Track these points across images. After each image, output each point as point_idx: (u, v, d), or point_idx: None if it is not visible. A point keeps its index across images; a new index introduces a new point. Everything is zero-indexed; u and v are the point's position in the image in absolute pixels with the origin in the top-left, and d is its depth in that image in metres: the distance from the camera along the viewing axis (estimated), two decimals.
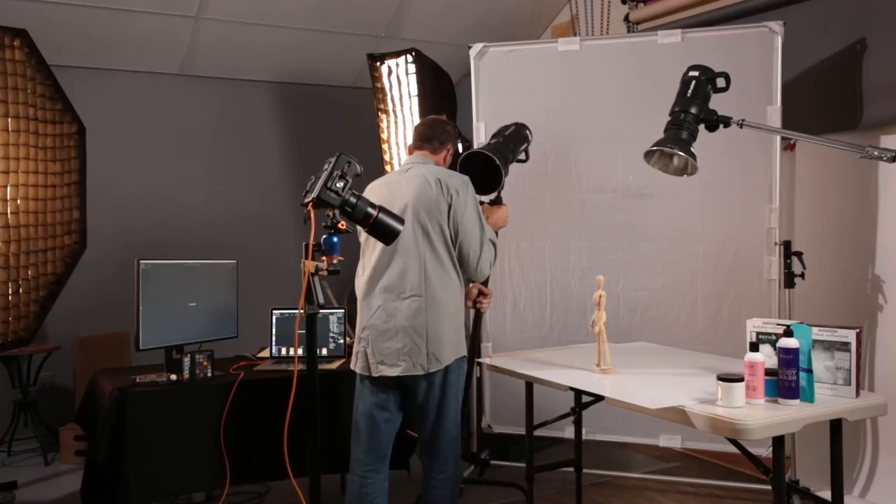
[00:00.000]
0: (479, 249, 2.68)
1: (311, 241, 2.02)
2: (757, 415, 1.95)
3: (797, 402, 2.04)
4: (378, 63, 4.59)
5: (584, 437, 3.25)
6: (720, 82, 2.42)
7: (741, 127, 2.38)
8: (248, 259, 3.90)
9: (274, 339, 3.55)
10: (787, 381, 2.03)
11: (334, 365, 3.38)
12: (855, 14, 3.61)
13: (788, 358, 2.03)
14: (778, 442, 1.98)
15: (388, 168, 4.65)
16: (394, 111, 4.62)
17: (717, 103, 2.42)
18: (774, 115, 3.51)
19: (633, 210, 3.81)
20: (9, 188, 3.59)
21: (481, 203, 2.86)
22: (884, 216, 3.38)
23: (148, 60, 5.12)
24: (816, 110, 3.78)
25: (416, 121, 4.28)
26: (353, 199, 2.05)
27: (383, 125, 4.69)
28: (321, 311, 2.08)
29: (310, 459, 2.11)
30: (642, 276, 3.81)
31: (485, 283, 2.98)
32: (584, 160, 3.89)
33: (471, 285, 2.89)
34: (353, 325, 3.82)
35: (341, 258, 2.07)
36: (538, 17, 5.31)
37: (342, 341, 3.50)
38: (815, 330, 2.14)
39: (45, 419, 4.62)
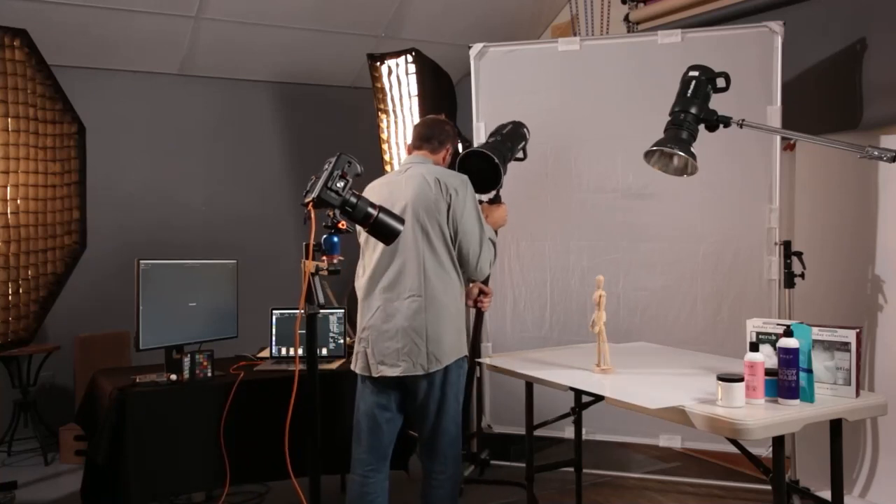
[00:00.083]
0: (479, 248, 2.68)
1: (312, 241, 2.02)
2: (757, 415, 1.95)
3: (797, 402, 2.04)
4: (378, 63, 4.59)
5: (584, 437, 3.25)
6: (720, 82, 2.42)
7: (741, 127, 2.38)
8: (248, 259, 3.90)
9: (274, 339, 3.55)
10: (787, 381, 2.03)
11: (334, 365, 3.37)
12: (855, 14, 3.61)
13: (788, 358, 2.03)
14: (778, 442, 1.98)
15: (388, 168, 4.65)
16: (394, 111, 4.62)
17: (717, 103, 2.42)
18: (774, 115, 3.51)
19: (633, 210, 3.81)
20: (9, 188, 3.59)
21: (480, 202, 2.86)
22: (884, 216, 3.38)
23: (148, 60, 5.12)
24: (816, 110, 3.78)
25: (416, 121, 4.28)
26: (353, 199, 2.05)
27: (383, 125, 4.69)
28: (321, 311, 2.08)
29: (310, 459, 2.11)
30: (642, 276, 3.81)
31: (485, 282, 2.98)
32: (584, 160, 3.89)
33: (471, 285, 2.89)
34: (352, 325, 3.82)
35: (341, 258, 2.07)
36: (538, 17, 5.31)
37: (342, 341, 3.50)
38: (815, 330, 2.14)
39: (45, 419, 4.62)
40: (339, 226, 2.06)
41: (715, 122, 2.39)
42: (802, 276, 3.28)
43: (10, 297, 3.61)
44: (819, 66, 3.75)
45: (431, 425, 2.66)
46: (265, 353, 3.60)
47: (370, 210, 2.09)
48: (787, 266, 3.30)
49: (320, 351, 3.46)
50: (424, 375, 2.60)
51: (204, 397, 3.12)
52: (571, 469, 3.19)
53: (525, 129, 3.20)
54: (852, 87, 3.62)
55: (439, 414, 2.64)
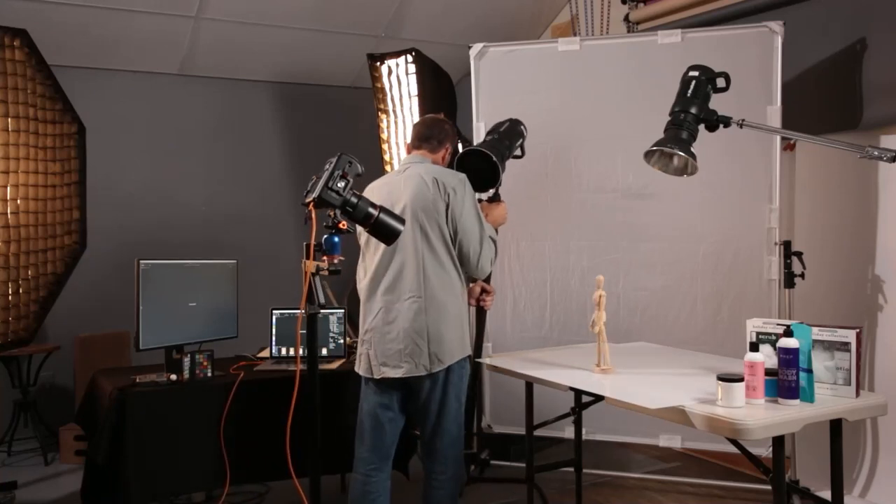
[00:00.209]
0: (479, 247, 2.68)
1: (313, 241, 2.02)
2: (757, 415, 1.95)
3: (797, 402, 2.04)
4: (378, 63, 4.59)
5: (584, 437, 3.25)
6: (720, 82, 2.42)
7: (741, 127, 2.38)
8: (248, 259, 3.90)
9: (274, 339, 3.55)
10: (787, 381, 2.03)
11: (334, 365, 3.38)
12: (855, 14, 3.61)
13: (788, 358, 2.03)
14: (778, 442, 1.98)
15: (388, 168, 4.65)
16: (394, 111, 4.63)
17: (717, 103, 2.42)
18: (774, 115, 3.51)
19: (633, 210, 3.81)
20: (9, 188, 3.59)
21: (480, 201, 2.86)
22: (884, 216, 3.38)
23: (148, 60, 5.12)
24: (816, 110, 3.78)
25: (416, 121, 4.28)
26: (354, 199, 2.06)
27: (383, 125, 4.69)
28: (322, 311, 2.08)
29: (310, 459, 2.11)
30: (642, 276, 3.81)
31: (487, 281, 2.98)
32: (584, 160, 3.89)
33: (472, 284, 2.89)
34: (353, 325, 3.82)
35: (342, 258, 2.07)
36: (538, 17, 5.31)
37: (342, 341, 3.51)
38: (815, 330, 2.14)
39: (45, 419, 4.62)
40: (340, 226, 2.06)
41: (715, 122, 2.39)
42: (802, 276, 3.28)
43: (10, 297, 3.61)
44: (819, 66, 3.76)
45: (432, 425, 2.66)
46: (265, 353, 3.60)
47: (371, 210, 2.09)
48: (787, 266, 3.30)
49: (320, 351, 3.46)
50: (427, 376, 2.60)
51: (204, 397, 3.12)
52: (571, 469, 3.19)
53: (522, 127, 3.20)
54: (852, 87, 3.62)
55: (440, 414, 2.65)
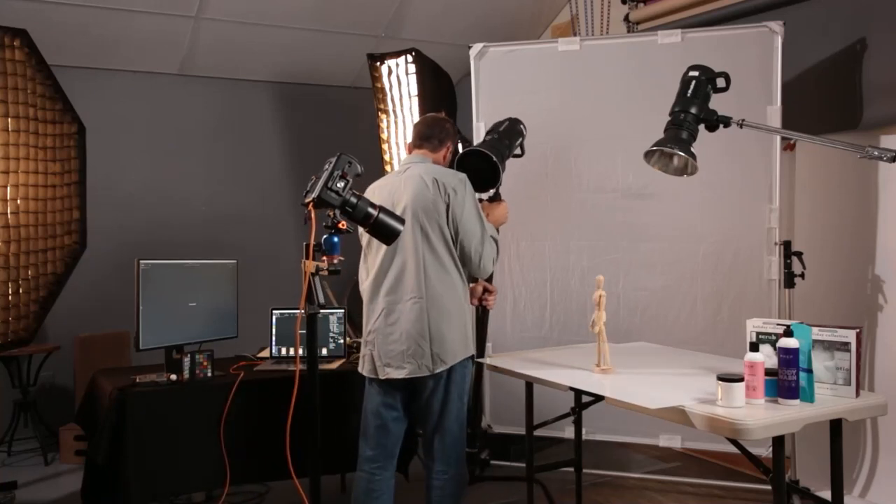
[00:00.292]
0: (481, 247, 2.68)
1: (312, 241, 2.02)
2: (757, 415, 1.95)
3: (797, 402, 2.04)
4: (378, 63, 4.59)
5: (584, 437, 3.25)
6: (720, 82, 2.42)
7: (741, 127, 2.38)
8: (248, 259, 3.90)
9: (274, 339, 3.55)
10: (787, 381, 2.03)
11: (334, 365, 3.38)
12: (855, 14, 3.61)
13: (788, 358, 2.03)
14: (778, 442, 1.98)
15: (388, 168, 4.65)
16: (394, 111, 4.62)
17: (717, 103, 2.42)
18: (774, 115, 3.51)
19: (633, 210, 3.81)
20: (9, 188, 3.59)
21: (480, 200, 2.86)
22: (884, 216, 3.38)
23: (148, 60, 5.12)
24: (816, 110, 3.78)
25: (417, 121, 4.28)
26: (353, 200, 2.06)
27: (383, 125, 4.69)
28: (321, 311, 2.08)
29: (310, 459, 2.11)
30: (642, 276, 3.81)
31: (489, 280, 2.98)
32: (584, 160, 3.89)
33: (473, 284, 2.89)
34: (353, 326, 3.82)
35: (342, 258, 2.07)
36: (538, 17, 5.31)
37: (342, 341, 3.51)
38: (815, 330, 2.14)
39: (45, 419, 4.62)
40: (340, 226, 2.06)
41: (715, 122, 2.39)
42: (802, 276, 3.28)
43: (10, 297, 3.61)
44: (819, 66, 3.75)
45: (434, 425, 2.67)
46: (265, 353, 3.60)
47: (370, 210, 2.09)
48: (787, 266, 3.30)
49: (320, 351, 3.46)
50: (430, 375, 2.61)
51: (204, 397, 3.12)
52: (571, 469, 3.19)
53: (522, 126, 3.20)
54: (852, 87, 3.62)
55: (442, 413, 2.65)
